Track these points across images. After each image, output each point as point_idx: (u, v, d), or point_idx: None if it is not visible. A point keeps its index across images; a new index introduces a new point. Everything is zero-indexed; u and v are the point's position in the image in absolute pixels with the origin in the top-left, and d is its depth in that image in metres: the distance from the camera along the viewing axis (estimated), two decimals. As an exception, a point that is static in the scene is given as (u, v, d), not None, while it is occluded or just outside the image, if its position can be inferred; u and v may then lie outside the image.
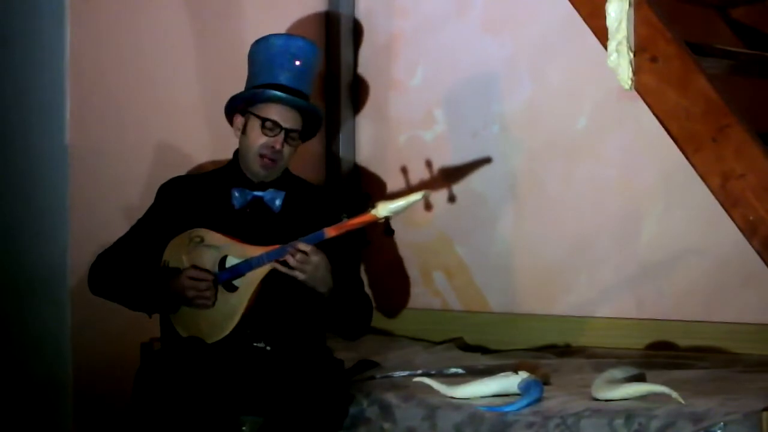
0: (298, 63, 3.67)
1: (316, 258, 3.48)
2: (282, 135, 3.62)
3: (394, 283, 4.78)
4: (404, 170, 4.62)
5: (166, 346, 3.65)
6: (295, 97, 3.63)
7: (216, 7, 4.45)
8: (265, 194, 3.67)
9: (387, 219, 3.50)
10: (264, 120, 3.62)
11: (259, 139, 3.63)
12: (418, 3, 4.76)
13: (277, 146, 3.62)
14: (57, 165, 3.97)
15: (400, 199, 3.49)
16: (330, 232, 3.49)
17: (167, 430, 3.39)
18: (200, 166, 4.28)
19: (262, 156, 3.62)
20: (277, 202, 3.67)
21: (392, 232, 3.53)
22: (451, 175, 4.66)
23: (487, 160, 4.61)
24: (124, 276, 3.62)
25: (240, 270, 3.55)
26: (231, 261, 3.57)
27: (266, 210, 3.67)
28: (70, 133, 3.97)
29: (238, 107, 3.68)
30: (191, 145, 4.31)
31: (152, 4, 4.23)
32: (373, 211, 3.47)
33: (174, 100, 4.29)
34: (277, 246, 3.51)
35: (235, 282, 3.57)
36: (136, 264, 3.63)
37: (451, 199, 4.67)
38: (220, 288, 3.56)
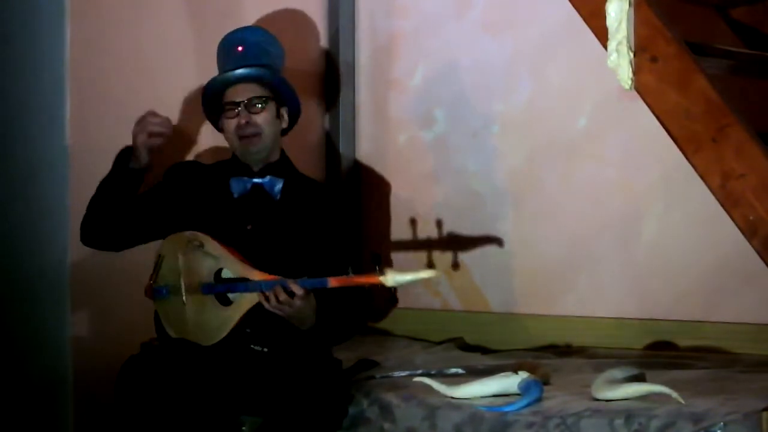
0: (240, 48, 3.73)
1: (300, 302, 3.43)
2: (243, 109, 3.66)
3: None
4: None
5: (162, 345, 3.65)
6: (231, 72, 3.67)
7: (215, 7, 4.45)
8: (264, 181, 3.68)
9: (393, 289, 3.43)
10: (223, 106, 3.69)
11: (230, 125, 3.67)
12: (418, 3, 4.76)
13: (243, 121, 3.65)
14: (57, 165, 3.97)
15: (409, 273, 3.40)
16: (333, 282, 3.44)
17: (161, 430, 3.40)
18: (200, 166, 4.29)
19: (240, 138, 3.66)
20: (276, 188, 3.67)
21: (396, 301, 3.48)
22: (451, 175, 4.67)
23: (486, 160, 4.62)
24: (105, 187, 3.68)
25: (236, 288, 3.52)
26: (226, 274, 3.56)
27: (266, 197, 3.67)
28: (70, 133, 3.97)
29: (213, 113, 3.75)
30: (191, 145, 4.31)
31: (152, 4, 4.23)
32: (381, 278, 3.37)
33: (174, 100, 4.29)
34: (277, 277, 3.46)
35: (231, 296, 3.55)
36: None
37: (451, 200, 4.67)
38: (212, 299, 3.53)
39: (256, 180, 3.68)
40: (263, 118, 3.68)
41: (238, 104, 3.67)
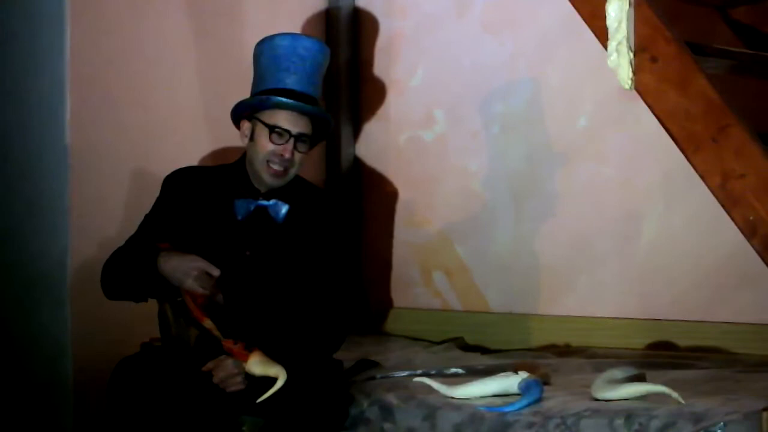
0: (305, 65, 3.59)
1: (222, 374, 3.44)
2: (291, 142, 3.54)
3: (393, 282, 4.78)
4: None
5: (162, 345, 3.64)
6: (303, 104, 3.54)
7: (215, 6, 4.45)
8: (269, 204, 3.60)
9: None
10: (272, 127, 3.53)
11: (267, 147, 3.54)
12: (418, 2, 4.76)
13: (287, 155, 3.53)
14: (57, 165, 3.97)
15: (266, 366, 3.41)
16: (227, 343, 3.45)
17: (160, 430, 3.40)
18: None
19: (270, 164, 3.55)
20: (281, 213, 3.60)
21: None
22: (451, 175, 4.67)
23: (486, 160, 4.62)
24: (128, 270, 3.54)
25: None
26: None
27: (269, 220, 3.60)
28: (70, 133, 3.97)
29: (244, 113, 3.59)
30: (191, 145, 4.31)
31: (152, 5, 4.23)
32: (246, 364, 3.41)
33: (174, 100, 4.29)
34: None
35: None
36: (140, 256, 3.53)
37: (451, 200, 4.67)
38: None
39: (261, 202, 3.59)
40: (300, 157, 3.57)
41: (290, 135, 3.54)
